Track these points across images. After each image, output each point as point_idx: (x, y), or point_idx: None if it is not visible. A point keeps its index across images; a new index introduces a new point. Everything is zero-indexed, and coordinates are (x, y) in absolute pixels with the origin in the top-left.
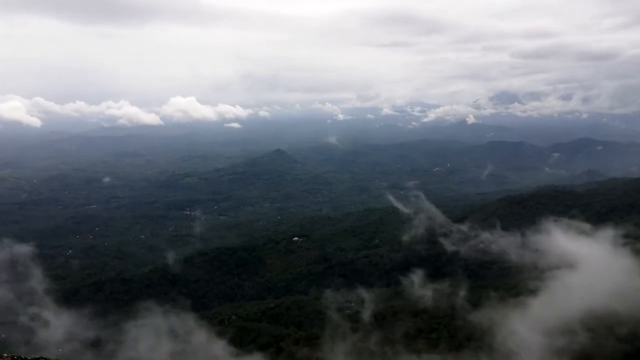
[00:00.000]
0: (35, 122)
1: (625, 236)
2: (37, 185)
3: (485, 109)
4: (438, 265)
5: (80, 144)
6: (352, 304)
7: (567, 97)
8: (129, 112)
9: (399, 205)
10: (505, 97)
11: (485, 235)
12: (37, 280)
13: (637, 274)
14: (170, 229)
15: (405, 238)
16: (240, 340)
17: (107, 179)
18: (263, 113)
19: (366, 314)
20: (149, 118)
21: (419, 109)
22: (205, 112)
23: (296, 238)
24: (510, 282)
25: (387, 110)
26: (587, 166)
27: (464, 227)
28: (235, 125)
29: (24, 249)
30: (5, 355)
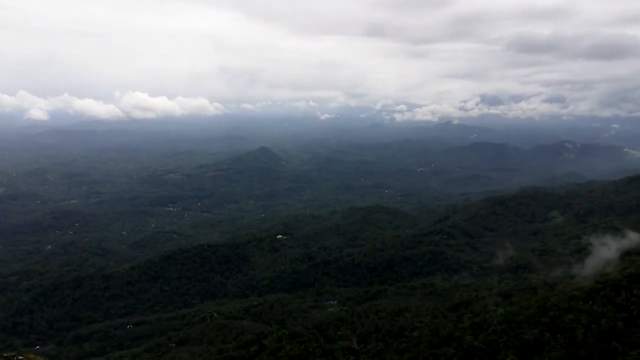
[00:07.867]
0: None
1: None
2: (15, 179)
3: (470, 110)
4: (421, 264)
5: (61, 139)
6: (335, 302)
7: (554, 100)
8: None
9: None
10: (492, 98)
11: (468, 235)
12: None
13: None
14: (153, 225)
15: (389, 237)
16: (222, 338)
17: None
18: (247, 109)
19: (349, 313)
20: (108, 111)
21: (405, 108)
22: (188, 107)
23: (280, 236)
24: (490, 281)
25: (373, 110)
26: (567, 168)
27: (446, 227)
28: (220, 121)
29: None
30: None
